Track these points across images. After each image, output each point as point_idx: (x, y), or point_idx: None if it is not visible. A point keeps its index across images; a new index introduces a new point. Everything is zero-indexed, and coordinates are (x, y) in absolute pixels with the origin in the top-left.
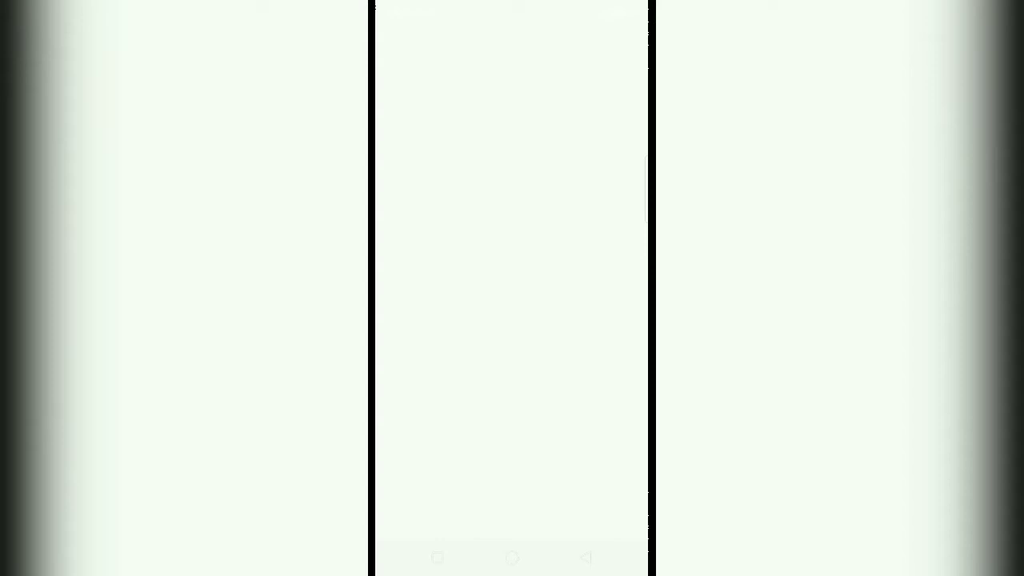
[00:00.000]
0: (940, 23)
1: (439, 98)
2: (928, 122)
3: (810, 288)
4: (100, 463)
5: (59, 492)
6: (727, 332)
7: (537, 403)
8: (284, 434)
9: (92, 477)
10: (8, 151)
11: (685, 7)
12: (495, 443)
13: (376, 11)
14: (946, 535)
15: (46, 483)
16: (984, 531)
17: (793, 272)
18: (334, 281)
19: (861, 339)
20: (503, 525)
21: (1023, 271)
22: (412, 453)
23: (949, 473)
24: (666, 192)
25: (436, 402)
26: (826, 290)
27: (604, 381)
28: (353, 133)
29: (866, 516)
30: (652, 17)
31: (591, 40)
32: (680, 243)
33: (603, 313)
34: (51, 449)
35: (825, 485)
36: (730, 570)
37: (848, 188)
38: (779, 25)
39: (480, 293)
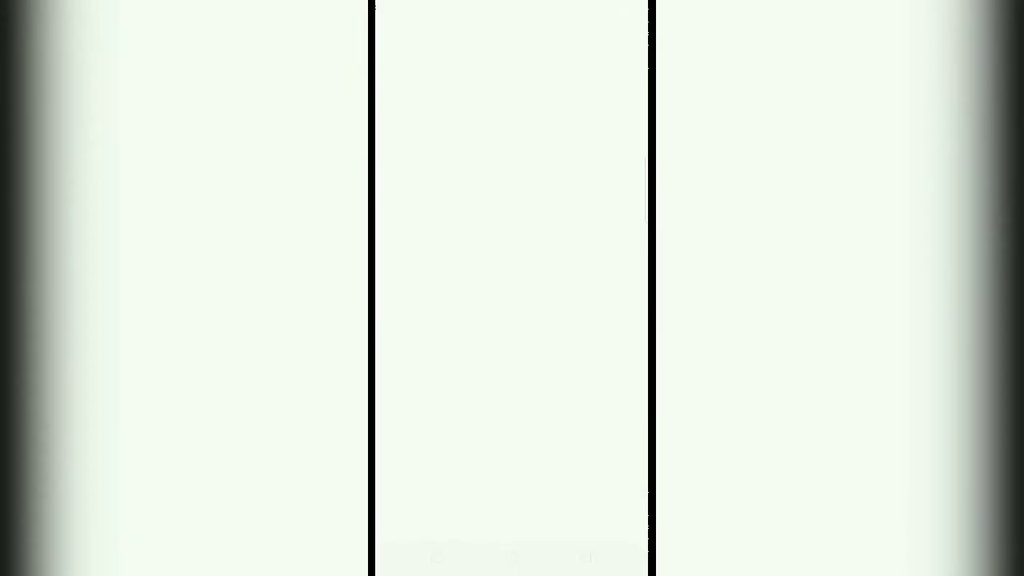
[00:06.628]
0: (940, 23)
1: (439, 97)
2: (928, 122)
3: (810, 288)
4: (101, 463)
5: (60, 492)
6: (727, 333)
7: (537, 404)
8: (286, 435)
9: (94, 477)
10: (8, 151)
11: (685, 7)
12: (495, 444)
13: (376, 11)
14: (946, 535)
15: (46, 483)
16: (984, 531)
17: (793, 272)
18: (335, 281)
19: (861, 339)
20: (503, 525)
21: (1023, 271)
22: (412, 454)
23: (949, 473)
24: (666, 192)
25: (436, 403)
26: (826, 290)
27: (604, 381)
28: (353, 132)
29: (866, 516)
30: (652, 17)
31: (591, 40)
32: (680, 243)
33: (603, 313)
34: (51, 450)
35: (824, 485)
36: (730, 570)
37: (848, 188)
38: (779, 25)
39: (480, 294)
